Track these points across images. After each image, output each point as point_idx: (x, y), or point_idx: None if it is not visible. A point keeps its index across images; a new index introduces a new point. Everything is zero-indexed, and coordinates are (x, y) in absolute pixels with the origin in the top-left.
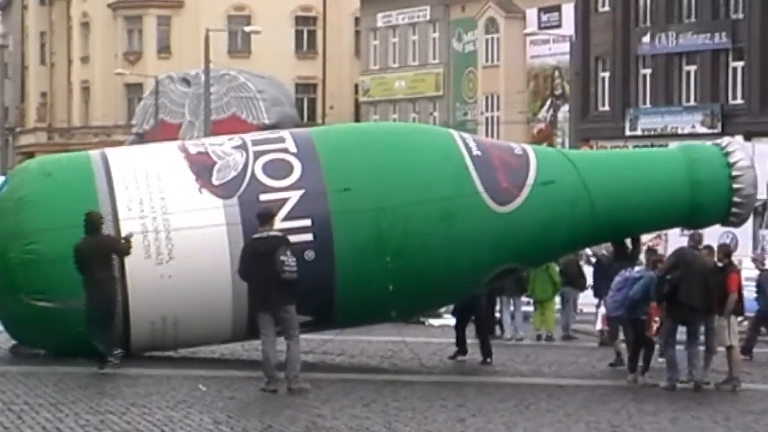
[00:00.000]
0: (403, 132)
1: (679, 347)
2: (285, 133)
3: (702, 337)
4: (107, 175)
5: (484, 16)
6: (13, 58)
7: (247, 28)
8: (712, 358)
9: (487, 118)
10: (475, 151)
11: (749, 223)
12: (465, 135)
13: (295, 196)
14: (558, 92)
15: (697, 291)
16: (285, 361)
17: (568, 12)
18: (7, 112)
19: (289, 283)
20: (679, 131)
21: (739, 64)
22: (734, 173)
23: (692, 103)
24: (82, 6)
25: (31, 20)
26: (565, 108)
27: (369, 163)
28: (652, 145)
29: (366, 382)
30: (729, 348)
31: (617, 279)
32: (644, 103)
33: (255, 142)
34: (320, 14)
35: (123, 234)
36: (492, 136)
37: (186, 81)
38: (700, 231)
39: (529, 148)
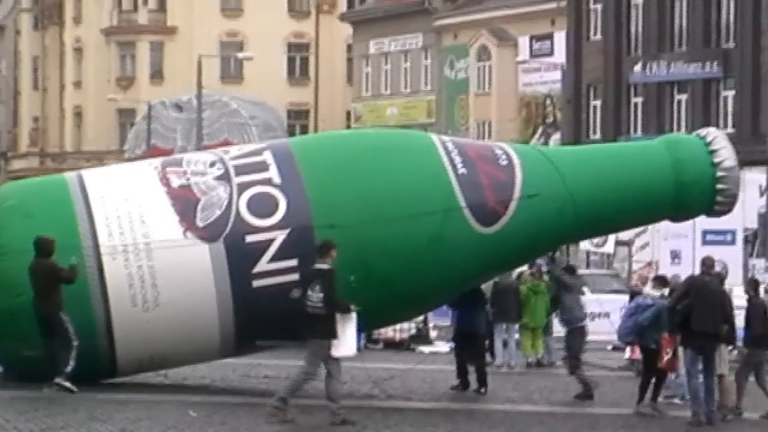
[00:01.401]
0: (389, 149)
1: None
2: (268, 155)
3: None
4: (89, 217)
5: (477, 44)
6: (6, 83)
7: (239, 55)
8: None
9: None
10: (461, 169)
11: (739, 252)
12: (450, 146)
13: (281, 236)
14: (550, 120)
15: (710, 317)
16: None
17: (560, 40)
18: (0, 137)
19: (316, 317)
20: None
21: (730, 93)
22: (719, 173)
23: (683, 131)
24: (75, 31)
25: (25, 45)
26: (557, 136)
27: (355, 191)
28: None
29: (357, 408)
30: (720, 377)
31: (630, 305)
32: (635, 131)
33: (238, 170)
34: (313, 41)
35: (107, 279)
36: None
37: (178, 107)
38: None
39: (513, 153)
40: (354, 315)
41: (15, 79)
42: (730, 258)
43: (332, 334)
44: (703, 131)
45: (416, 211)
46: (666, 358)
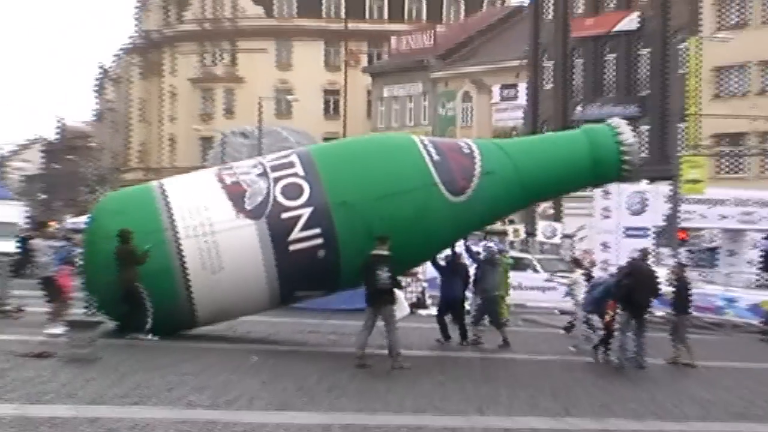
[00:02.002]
0: (380, 146)
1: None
2: (294, 158)
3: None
4: (168, 210)
5: (461, 91)
6: (121, 117)
7: (289, 97)
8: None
9: None
10: (435, 157)
11: (651, 243)
12: (427, 143)
13: (306, 212)
14: None
15: (644, 292)
16: (388, 345)
17: (523, 88)
18: (116, 156)
19: (387, 290)
20: None
21: (646, 127)
22: (621, 145)
23: None
24: (170, 80)
25: (134, 90)
26: None
27: (358, 178)
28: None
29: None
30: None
31: (588, 284)
32: None
33: (273, 168)
34: (342, 87)
35: (184, 254)
36: None
37: (244, 135)
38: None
39: (473, 145)
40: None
41: (127, 115)
42: (645, 247)
43: (395, 301)
44: (610, 120)
45: (404, 188)
46: (607, 318)
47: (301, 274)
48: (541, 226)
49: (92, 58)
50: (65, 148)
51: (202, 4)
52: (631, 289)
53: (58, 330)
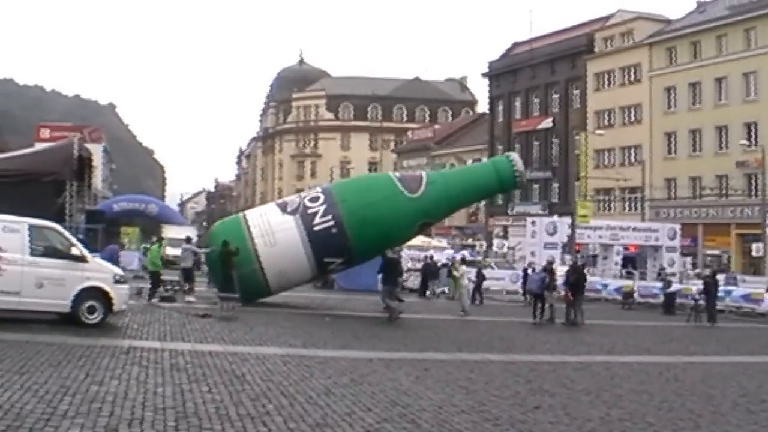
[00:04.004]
0: (369, 178)
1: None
2: (318, 190)
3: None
4: (247, 225)
5: (449, 163)
6: (250, 178)
7: (348, 167)
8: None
9: None
10: (399, 177)
11: (559, 252)
12: (397, 174)
13: (321, 208)
14: None
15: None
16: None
17: (485, 160)
18: (247, 200)
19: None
20: (531, 212)
21: (556, 184)
22: (515, 170)
23: (537, 200)
24: (278, 156)
25: (258, 162)
26: (482, 203)
27: (356, 192)
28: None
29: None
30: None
31: (535, 276)
32: (518, 199)
33: (304, 196)
34: (379, 161)
35: (256, 247)
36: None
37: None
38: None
39: (423, 174)
40: None
41: (253, 177)
42: (556, 254)
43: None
44: (508, 153)
45: (382, 196)
46: (567, 296)
47: (324, 244)
48: (496, 241)
49: (235, 142)
50: (219, 195)
51: (298, 111)
52: (575, 279)
53: (192, 298)
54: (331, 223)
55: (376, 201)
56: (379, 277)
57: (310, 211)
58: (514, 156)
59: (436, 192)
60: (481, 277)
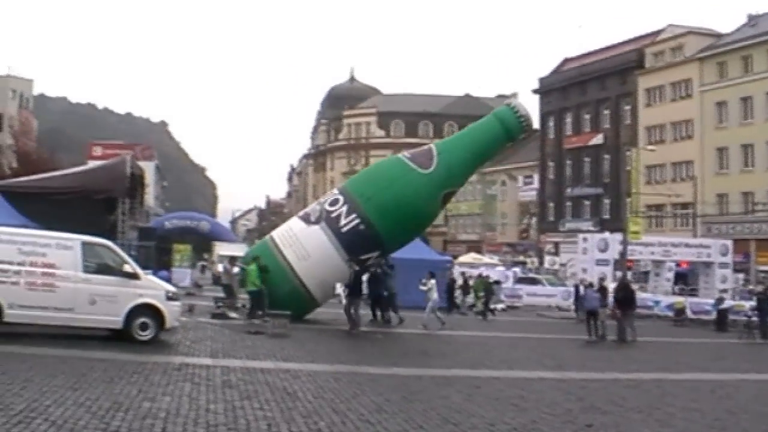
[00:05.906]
0: (382, 162)
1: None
2: (336, 191)
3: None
4: (275, 244)
5: (500, 179)
6: (301, 195)
7: None
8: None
9: (503, 224)
10: (409, 157)
11: (611, 268)
12: (407, 154)
13: (344, 209)
14: (532, 212)
15: (629, 299)
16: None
17: (536, 178)
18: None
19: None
20: (582, 229)
21: (607, 200)
22: (518, 116)
23: (588, 217)
24: (330, 174)
25: (309, 179)
26: (534, 219)
27: (371, 183)
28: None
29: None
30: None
31: (593, 294)
32: (569, 215)
33: (323, 200)
34: None
35: (288, 259)
36: (501, 232)
37: None
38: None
39: (432, 146)
40: None
41: (305, 193)
42: (608, 271)
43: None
44: (509, 101)
45: (397, 179)
46: (615, 312)
47: (356, 242)
48: (547, 258)
49: (286, 160)
50: (270, 212)
51: (349, 128)
52: (623, 296)
53: (235, 314)
54: (357, 220)
55: (393, 185)
56: (345, 289)
57: (333, 215)
58: (515, 102)
59: (449, 160)
60: (489, 293)
